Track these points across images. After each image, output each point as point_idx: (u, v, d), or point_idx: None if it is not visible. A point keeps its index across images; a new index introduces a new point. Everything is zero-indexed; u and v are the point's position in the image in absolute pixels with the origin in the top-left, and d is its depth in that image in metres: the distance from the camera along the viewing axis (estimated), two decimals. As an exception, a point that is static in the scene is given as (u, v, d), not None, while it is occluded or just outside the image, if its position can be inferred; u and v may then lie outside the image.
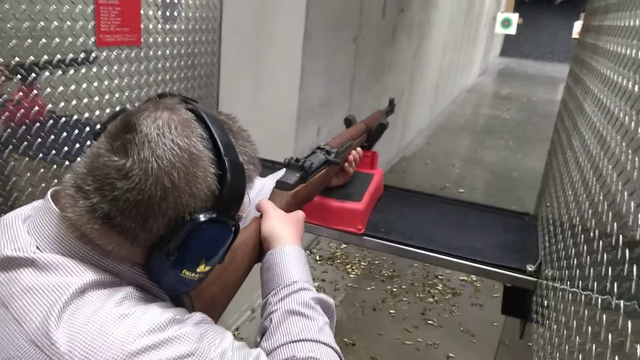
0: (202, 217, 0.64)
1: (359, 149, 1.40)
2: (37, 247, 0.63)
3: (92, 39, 1.38)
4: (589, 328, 0.67)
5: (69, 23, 1.30)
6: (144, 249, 0.64)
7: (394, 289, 3.28)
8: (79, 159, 0.66)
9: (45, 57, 1.26)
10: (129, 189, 0.60)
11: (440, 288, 3.32)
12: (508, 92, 11.85)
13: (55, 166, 1.31)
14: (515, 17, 9.19)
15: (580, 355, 0.68)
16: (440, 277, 3.45)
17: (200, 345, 0.60)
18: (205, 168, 0.64)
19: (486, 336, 2.87)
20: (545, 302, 1.06)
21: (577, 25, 10.06)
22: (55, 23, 1.27)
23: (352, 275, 3.41)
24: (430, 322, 2.97)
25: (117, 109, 1.48)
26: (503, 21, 9.27)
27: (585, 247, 0.81)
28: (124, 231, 0.62)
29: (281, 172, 1.16)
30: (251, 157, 0.74)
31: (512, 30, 9.33)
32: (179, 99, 0.69)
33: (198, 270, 0.68)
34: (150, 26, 1.57)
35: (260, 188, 1.12)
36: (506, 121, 8.85)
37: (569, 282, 0.87)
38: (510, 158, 6.55)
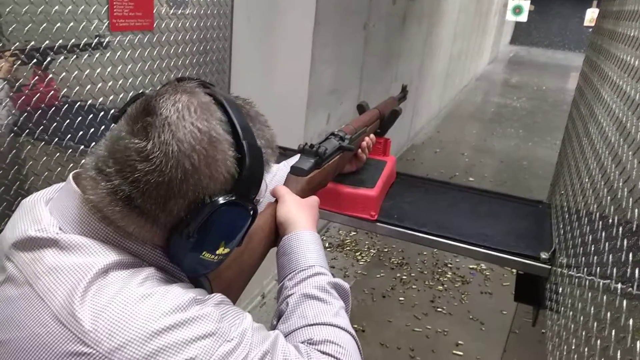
0: (221, 200, 0.64)
1: (372, 135, 1.39)
2: (59, 228, 0.63)
3: (106, 24, 1.38)
4: (608, 314, 0.67)
5: (82, 7, 1.30)
6: (164, 231, 0.65)
7: (404, 277, 3.29)
8: (99, 142, 0.67)
9: (60, 41, 1.26)
10: (149, 170, 0.60)
11: (449, 276, 3.33)
12: (518, 80, 11.74)
13: (70, 150, 1.31)
14: (526, 4, 9.06)
15: (599, 341, 0.68)
16: (449, 265, 3.45)
17: (221, 326, 0.61)
18: (224, 151, 0.64)
19: (495, 324, 2.88)
20: (560, 289, 1.05)
21: (589, 13, 9.90)
22: (70, 7, 1.27)
23: (361, 263, 3.43)
24: (439, 309, 2.98)
25: (131, 94, 1.49)
26: (514, 8, 9.13)
27: (603, 234, 0.81)
28: (144, 213, 0.63)
29: (295, 158, 1.16)
30: (268, 141, 0.75)
31: (523, 17, 9.20)
32: (198, 82, 0.70)
33: (217, 252, 0.69)
34: (163, 11, 1.57)
35: (274, 173, 1.12)
36: (516, 110, 8.78)
37: (585, 269, 0.87)
38: (520, 147, 6.50)
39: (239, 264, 0.82)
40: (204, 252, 0.67)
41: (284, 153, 1.61)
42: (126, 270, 0.62)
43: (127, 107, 0.67)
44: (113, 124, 0.68)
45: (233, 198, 0.66)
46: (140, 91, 0.71)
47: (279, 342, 0.67)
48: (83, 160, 0.67)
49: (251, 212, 0.71)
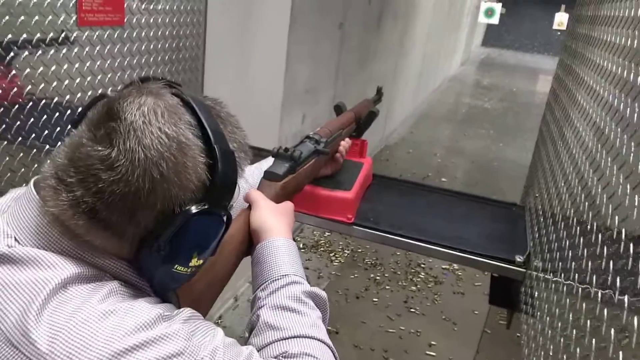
0: (193, 209, 0.61)
1: (347, 138, 1.37)
2: (15, 239, 0.59)
3: (74, 18, 1.32)
4: (588, 322, 0.66)
5: (49, 0, 1.24)
6: (132, 244, 0.61)
7: (377, 277, 3.29)
8: (57, 148, 0.62)
9: (24, 35, 1.20)
10: (114, 180, 0.56)
11: (422, 276, 3.34)
12: (489, 81, 11.92)
13: (35, 150, 1.26)
14: (498, 7, 9.20)
15: (578, 349, 0.67)
16: (422, 265, 3.47)
17: (190, 344, 0.57)
18: (195, 158, 0.61)
19: (468, 324, 2.90)
20: (536, 293, 1.06)
21: (557, 17, 10.10)
22: (35, 0, 1.21)
23: (335, 263, 3.41)
24: (412, 310, 2.99)
25: (100, 91, 1.43)
26: (486, 10, 9.27)
27: (581, 240, 0.81)
28: (110, 226, 0.59)
29: (268, 160, 1.13)
30: (241, 144, 0.71)
31: (495, 20, 9.33)
32: (163, 83, 0.66)
33: (190, 264, 0.65)
34: (134, 5, 1.52)
35: (246, 178, 1.09)
36: (487, 111, 8.90)
37: (563, 274, 0.87)
38: (491, 148, 6.59)
39: (210, 275, 0.79)
40: (176, 265, 0.64)
41: (259, 154, 1.58)
42: (87, 285, 0.58)
43: (86, 110, 0.63)
44: (73, 130, 0.63)
45: (205, 207, 0.62)
46: (99, 92, 0.66)
47: (253, 358, 0.64)
48: (43, 167, 0.63)
49: (225, 220, 0.68)
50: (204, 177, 0.62)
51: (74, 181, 0.58)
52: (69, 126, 0.66)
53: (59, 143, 1.31)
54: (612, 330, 0.57)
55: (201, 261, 0.67)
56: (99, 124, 0.59)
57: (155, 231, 0.60)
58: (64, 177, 0.58)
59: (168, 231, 0.60)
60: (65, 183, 0.58)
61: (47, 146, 1.28)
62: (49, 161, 0.62)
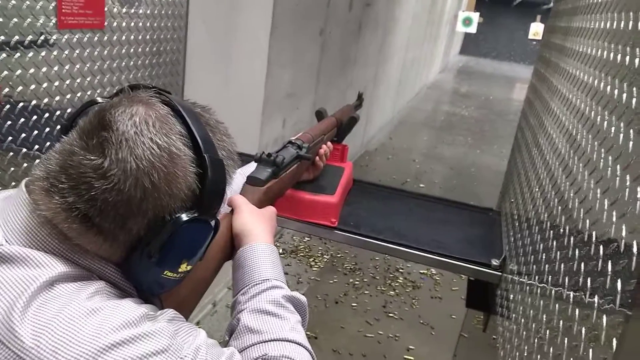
0: (184, 217, 0.63)
1: (329, 143, 1.39)
2: (5, 240, 0.59)
3: (53, 21, 1.31)
4: (560, 322, 0.69)
5: (28, 2, 1.23)
6: (123, 250, 0.63)
7: (356, 282, 3.30)
8: (47, 153, 0.63)
9: (2, 37, 1.19)
10: (107, 189, 0.58)
11: (401, 281, 3.37)
12: (467, 89, 12.11)
13: (11, 153, 1.24)
14: (476, 16, 9.39)
15: (551, 349, 0.70)
16: (401, 270, 3.50)
17: (174, 342, 0.59)
18: (185, 167, 0.62)
19: (445, 328, 2.94)
20: (511, 295, 1.08)
21: (533, 27, 10.35)
22: (13, 2, 1.20)
23: (314, 269, 3.42)
24: (391, 314, 3.01)
25: (68, 97, 1.41)
26: (464, 20, 9.45)
27: (554, 243, 0.83)
28: (102, 232, 0.60)
29: (250, 166, 1.14)
30: (230, 151, 0.73)
31: (472, 29, 9.53)
32: (153, 91, 0.67)
33: (180, 270, 0.67)
34: (115, 9, 1.51)
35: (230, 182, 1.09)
36: (465, 118, 9.04)
37: (537, 277, 0.89)
38: (468, 154, 6.69)
39: (192, 280, 0.79)
40: (165, 271, 0.65)
41: (240, 158, 1.59)
42: (74, 283, 0.59)
43: (76, 117, 0.64)
44: (62, 136, 0.64)
45: (195, 215, 0.64)
46: (90, 99, 0.67)
47: (235, 359, 0.65)
48: (33, 171, 0.63)
49: (213, 226, 0.69)
50: (194, 186, 0.64)
51: (66, 187, 0.59)
52: (59, 131, 0.66)
53: (36, 145, 1.30)
54: (583, 330, 0.59)
55: (190, 267, 0.68)
56: (91, 133, 0.60)
57: (146, 238, 0.62)
58: (56, 183, 0.59)
59: (159, 238, 0.62)
60: (58, 188, 0.59)
61: (24, 149, 1.27)
62: (40, 165, 0.62)
